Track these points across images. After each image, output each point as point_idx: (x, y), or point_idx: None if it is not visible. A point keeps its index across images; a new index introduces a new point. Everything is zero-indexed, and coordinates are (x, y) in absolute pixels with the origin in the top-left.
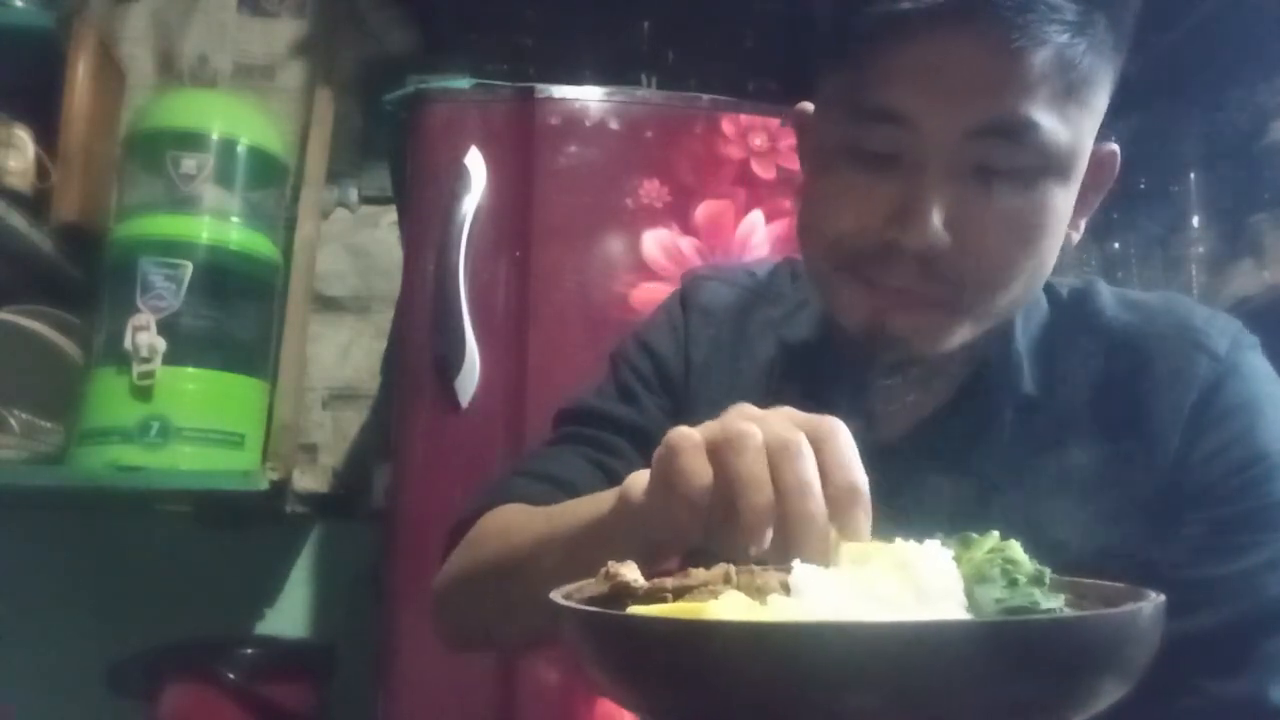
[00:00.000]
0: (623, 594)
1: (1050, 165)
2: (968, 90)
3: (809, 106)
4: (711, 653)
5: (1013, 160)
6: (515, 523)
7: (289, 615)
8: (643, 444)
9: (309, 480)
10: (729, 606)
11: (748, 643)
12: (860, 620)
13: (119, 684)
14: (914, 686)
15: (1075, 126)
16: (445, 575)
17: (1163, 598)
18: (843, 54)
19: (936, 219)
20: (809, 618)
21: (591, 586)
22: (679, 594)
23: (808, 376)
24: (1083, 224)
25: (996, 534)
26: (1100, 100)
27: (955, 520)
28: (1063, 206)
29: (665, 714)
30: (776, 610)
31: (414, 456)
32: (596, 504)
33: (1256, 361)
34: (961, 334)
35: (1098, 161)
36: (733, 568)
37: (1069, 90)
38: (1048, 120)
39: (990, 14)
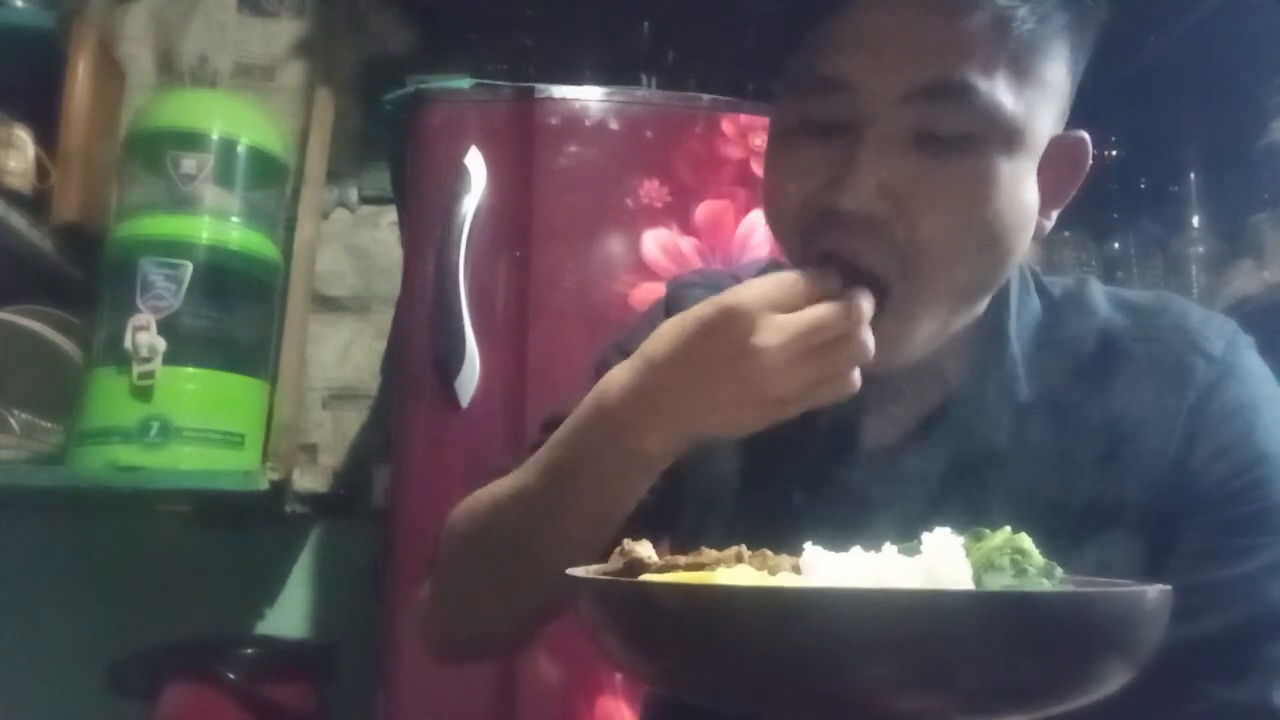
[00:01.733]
0: (637, 569)
1: (992, 133)
2: (903, 53)
3: None
4: (723, 616)
5: (951, 125)
6: (478, 501)
7: (289, 615)
8: None
9: (309, 480)
10: (738, 575)
11: (758, 606)
12: (864, 587)
13: (119, 684)
14: (918, 654)
15: (1019, 96)
16: (429, 584)
17: (1169, 588)
18: (787, 28)
19: (873, 182)
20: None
21: (606, 565)
22: (692, 570)
23: None
24: (1054, 214)
25: (1008, 529)
26: (1053, 74)
27: (951, 523)
28: (1010, 180)
29: (678, 680)
30: (786, 582)
31: (414, 456)
32: (575, 450)
33: (1253, 362)
34: (918, 337)
35: (1065, 148)
36: (745, 549)
37: (1011, 57)
38: (986, 85)
39: None
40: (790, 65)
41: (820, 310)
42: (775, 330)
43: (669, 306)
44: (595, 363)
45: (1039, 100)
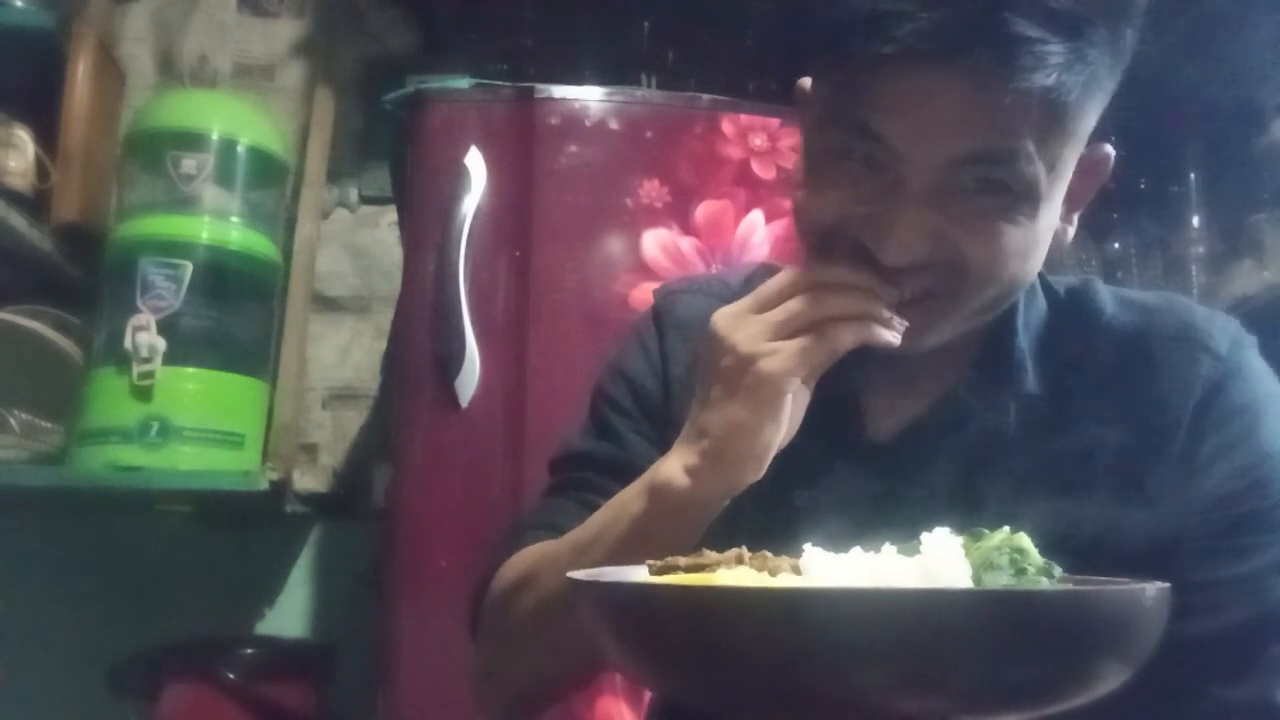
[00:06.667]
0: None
1: (1030, 193)
2: (950, 125)
3: (807, 83)
4: (722, 617)
5: (992, 188)
6: (539, 566)
7: (289, 615)
8: (628, 478)
9: (309, 480)
10: (738, 576)
11: (758, 607)
12: (862, 586)
13: (119, 684)
14: (918, 653)
15: (1058, 154)
16: (482, 652)
17: (1168, 586)
18: (833, 75)
19: (915, 235)
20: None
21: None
22: (692, 571)
23: None
24: (1075, 218)
25: (1007, 528)
26: (1088, 124)
27: (954, 520)
28: (1043, 226)
29: (678, 682)
30: (785, 583)
31: (414, 456)
32: (624, 510)
33: (1257, 361)
34: (949, 330)
35: (1090, 163)
36: (745, 551)
37: (1054, 124)
38: (1028, 153)
39: (975, 57)
40: (834, 101)
41: (767, 283)
42: (733, 315)
43: (658, 315)
44: (594, 389)
45: (1076, 150)
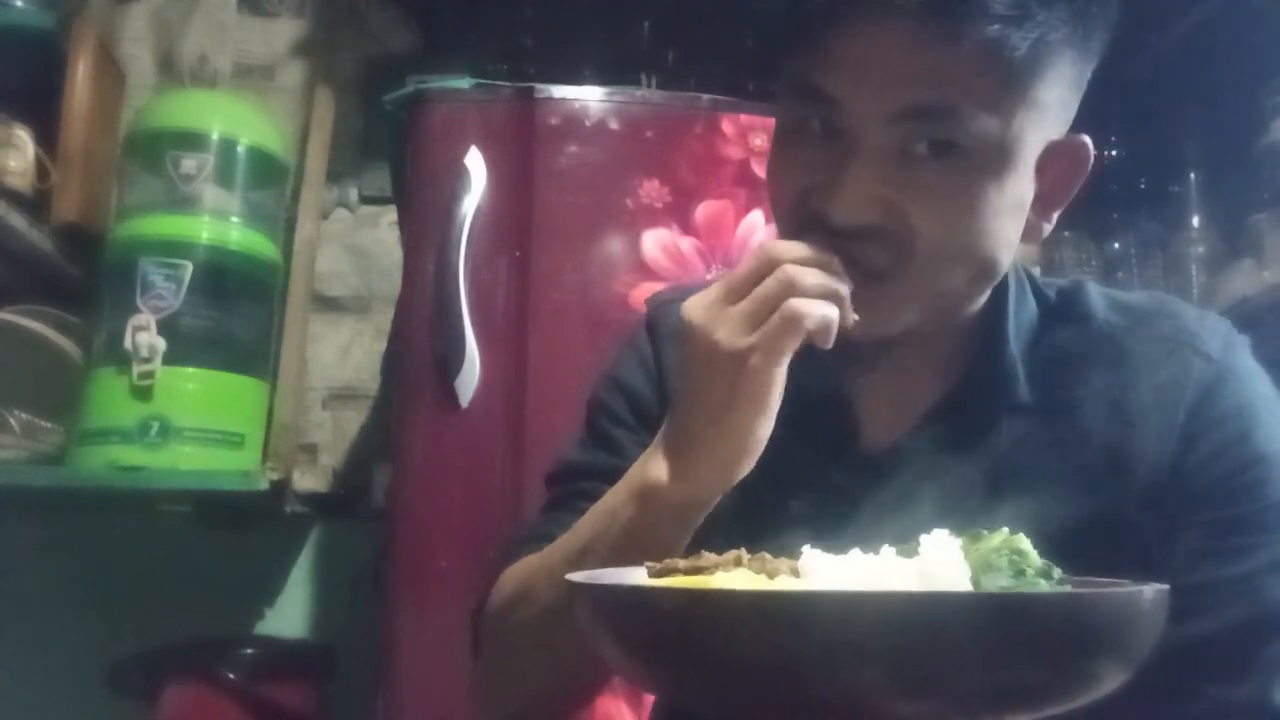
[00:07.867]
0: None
1: (978, 152)
2: (891, 77)
3: None
4: (721, 620)
5: (936, 145)
6: (533, 579)
7: (289, 615)
8: None
9: (309, 480)
10: (735, 579)
11: (757, 610)
12: (861, 589)
13: (119, 684)
14: (916, 656)
15: (1009, 118)
16: (481, 669)
17: (1166, 587)
18: (782, 37)
19: (863, 195)
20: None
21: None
22: (691, 574)
23: (790, 383)
24: (1054, 216)
25: (1006, 530)
26: (1048, 93)
27: (949, 524)
28: (995, 196)
29: (676, 684)
30: (783, 586)
31: (414, 456)
32: (615, 517)
33: (1249, 362)
34: (907, 315)
35: (1066, 153)
36: (744, 553)
37: (1001, 81)
38: (972, 110)
39: (916, 8)
40: (786, 70)
41: (736, 270)
42: (708, 308)
43: (651, 326)
44: (589, 401)
45: (1031, 120)
